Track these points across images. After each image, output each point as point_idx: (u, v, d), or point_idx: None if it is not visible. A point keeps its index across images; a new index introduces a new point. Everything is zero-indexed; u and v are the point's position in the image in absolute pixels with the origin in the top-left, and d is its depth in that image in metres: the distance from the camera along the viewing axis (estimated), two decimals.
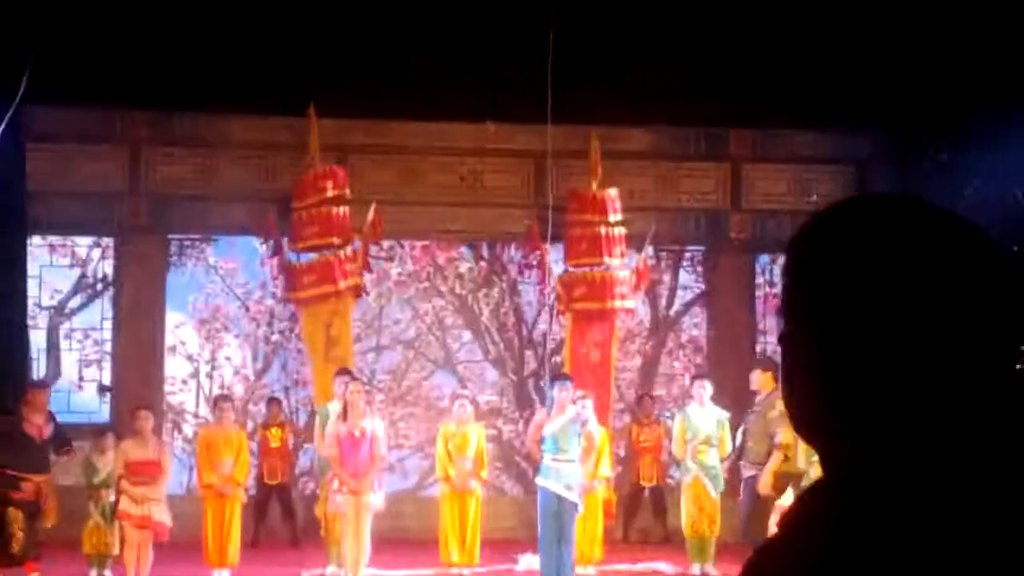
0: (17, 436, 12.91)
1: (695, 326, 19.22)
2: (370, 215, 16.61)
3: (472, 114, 17.64)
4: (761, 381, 12.91)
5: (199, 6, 15.38)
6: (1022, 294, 1.54)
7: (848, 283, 1.51)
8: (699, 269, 19.27)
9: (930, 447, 1.46)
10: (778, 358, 1.63)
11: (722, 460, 14.29)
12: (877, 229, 1.53)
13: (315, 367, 16.78)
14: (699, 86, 17.12)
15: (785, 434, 12.28)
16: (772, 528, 12.35)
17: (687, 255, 19.28)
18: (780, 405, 12.58)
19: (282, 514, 17.08)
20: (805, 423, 1.56)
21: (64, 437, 13.91)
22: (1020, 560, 1.40)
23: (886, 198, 1.59)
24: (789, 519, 1.52)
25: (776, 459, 12.41)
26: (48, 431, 13.37)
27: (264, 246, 17.99)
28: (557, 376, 15.06)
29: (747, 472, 12.67)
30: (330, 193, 16.58)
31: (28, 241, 17.32)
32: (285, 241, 16.89)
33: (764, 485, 12.40)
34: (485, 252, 19.01)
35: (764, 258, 19.25)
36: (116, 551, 13.65)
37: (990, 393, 1.49)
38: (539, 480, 13.52)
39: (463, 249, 18.97)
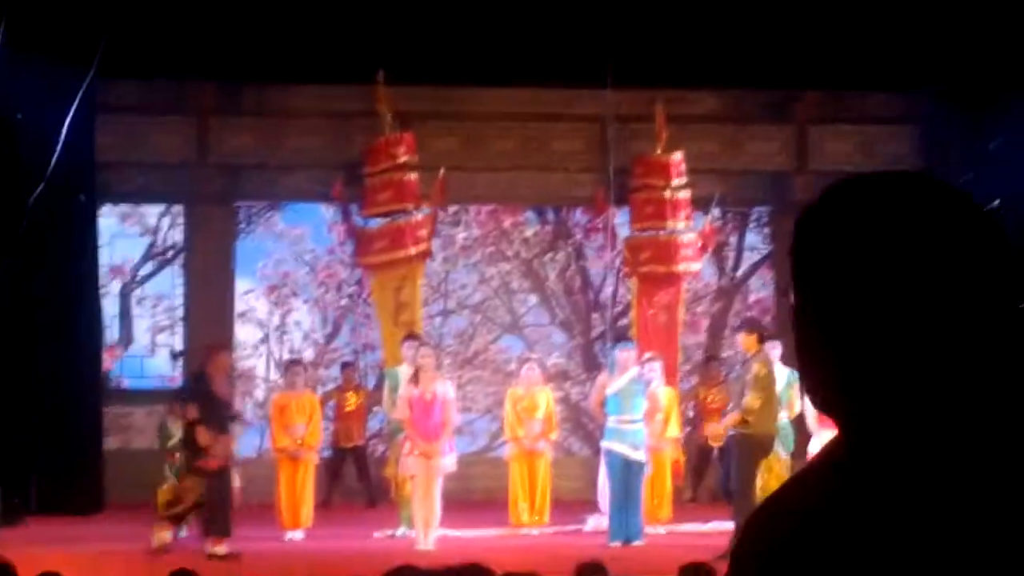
0: (211, 397, 12.98)
1: (762, 287, 19.23)
2: (437, 181, 16.74)
3: (535, 79, 17.69)
4: (747, 343, 12.93)
5: None
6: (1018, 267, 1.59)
7: (853, 260, 1.58)
8: (765, 231, 19.26)
9: (935, 415, 1.55)
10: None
11: (791, 420, 14.30)
12: (879, 206, 1.60)
13: (384, 331, 16.94)
14: (764, 47, 17.06)
15: (752, 399, 12.45)
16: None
17: (753, 217, 19.28)
18: (756, 368, 12.69)
19: (358, 476, 17.30)
20: (817, 393, 1.64)
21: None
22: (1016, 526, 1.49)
23: (888, 175, 1.65)
24: (801, 474, 1.64)
25: (731, 418, 12.69)
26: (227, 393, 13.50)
27: (332, 212, 18.21)
28: (619, 338, 15.19)
29: (732, 431, 12.83)
30: (402, 159, 16.67)
31: (99, 210, 17.57)
32: (353, 207, 17.06)
33: (715, 436, 13.28)
34: (550, 216, 19.08)
35: None
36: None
37: (992, 366, 1.56)
38: (604, 442, 13.64)
39: (528, 213, 19.05)
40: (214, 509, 12.87)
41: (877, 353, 1.56)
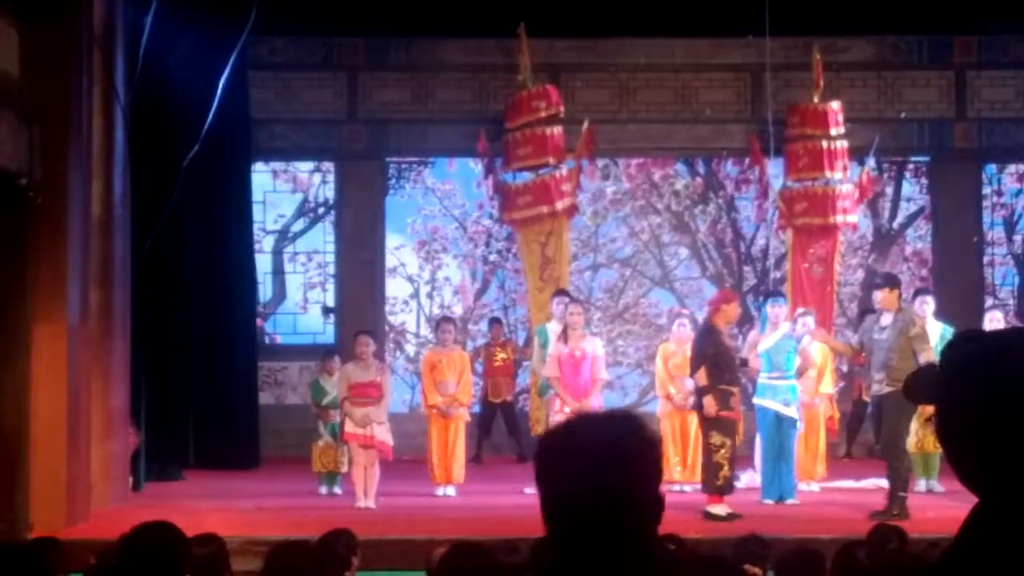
0: (722, 351, 12.49)
1: (919, 238, 18.78)
2: (583, 134, 16.63)
3: (686, 29, 17.46)
4: (888, 300, 12.48)
5: None
6: None
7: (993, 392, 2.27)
8: (923, 180, 18.80)
9: None
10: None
11: None
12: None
13: (530, 286, 16.94)
14: None
15: (928, 353, 12.03)
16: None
17: (910, 166, 18.82)
18: (919, 323, 12.32)
19: (508, 431, 17.31)
20: (963, 471, 2.31)
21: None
22: None
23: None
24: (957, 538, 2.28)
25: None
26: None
27: (480, 167, 18.21)
28: (770, 293, 14.94)
29: (885, 388, 12.24)
30: (543, 113, 16.61)
31: (251, 167, 17.75)
32: (499, 162, 17.06)
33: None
34: (701, 168, 18.83)
35: (991, 167, 18.70)
36: (344, 469, 14.02)
37: None
38: (756, 398, 13.45)
39: (678, 165, 18.82)
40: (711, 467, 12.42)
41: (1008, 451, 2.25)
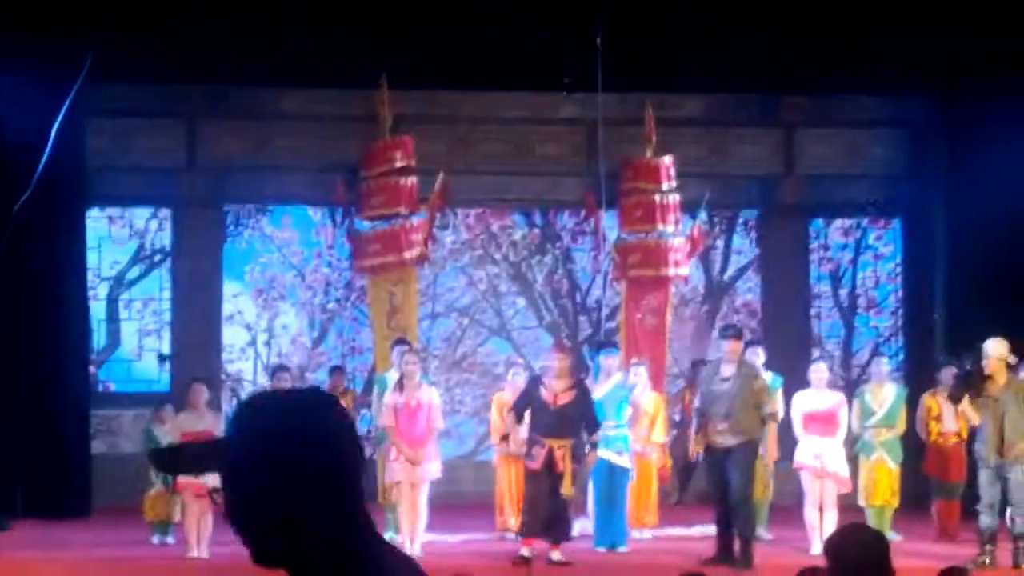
0: (536, 403, 12.83)
1: (749, 291, 19.27)
2: (437, 185, 16.75)
3: (524, 83, 17.73)
4: (735, 348, 12.86)
5: None
6: None
7: None
8: (752, 234, 19.29)
9: None
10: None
11: (775, 423, 14.30)
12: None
13: (377, 335, 16.96)
14: (751, 52, 17.10)
15: (772, 403, 12.63)
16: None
17: (741, 220, 19.31)
18: (760, 375, 12.82)
19: None
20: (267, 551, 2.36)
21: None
22: None
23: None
24: None
25: (773, 430, 12.71)
26: (566, 399, 12.97)
27: (319, 215, 18.25)
28: (603, 344, 15.22)
29: (730, 440, 12.56)
30: (399, 163, 16.68)
31: (87, 213, 17.56)
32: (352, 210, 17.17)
33: (770, 456, 12.86)
34: (538, 220, 19.10)
35: (817, 222, 19.28)
36: (177, 518, 13.90)
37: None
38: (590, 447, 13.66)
39: (516, 217, 19.07)
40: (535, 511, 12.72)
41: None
